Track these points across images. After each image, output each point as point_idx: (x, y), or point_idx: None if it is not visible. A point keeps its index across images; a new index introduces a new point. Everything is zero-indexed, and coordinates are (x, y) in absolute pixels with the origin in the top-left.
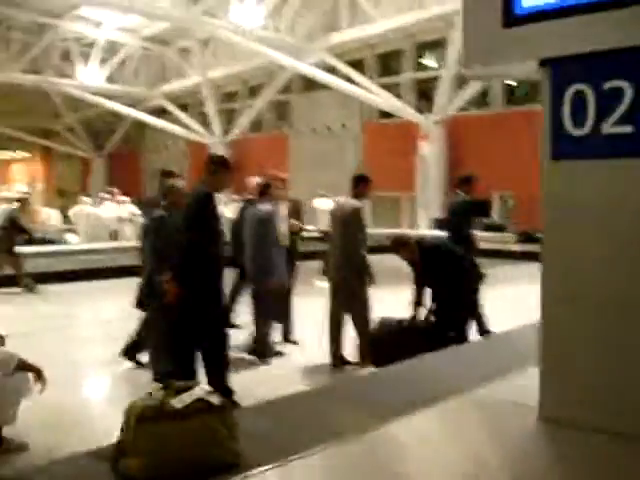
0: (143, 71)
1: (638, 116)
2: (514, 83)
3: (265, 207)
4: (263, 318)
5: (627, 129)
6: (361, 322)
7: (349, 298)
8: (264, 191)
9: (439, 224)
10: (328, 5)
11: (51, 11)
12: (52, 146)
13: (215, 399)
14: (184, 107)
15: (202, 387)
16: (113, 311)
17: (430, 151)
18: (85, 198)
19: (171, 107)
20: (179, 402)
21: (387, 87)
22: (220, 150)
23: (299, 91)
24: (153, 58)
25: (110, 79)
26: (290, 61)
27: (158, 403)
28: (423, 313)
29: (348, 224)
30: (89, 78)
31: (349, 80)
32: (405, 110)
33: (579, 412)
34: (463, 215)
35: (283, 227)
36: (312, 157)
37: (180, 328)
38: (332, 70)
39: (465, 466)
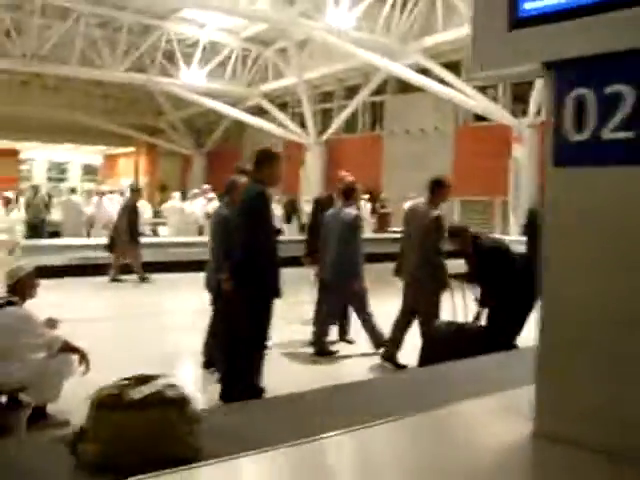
0: (243, 71)
1: (638, 122)
2: None
3: (352, 211)
4: (329, 318)
5: (628, 135)
6: (427, 325)
7: (419, 300)
8: (349, 194)
9: (523, 230)
10: (424, 6)
11: (155, 13)
12: (156, 143)
13: (176, 392)
14: (283, 106)
15: (166, 380)
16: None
17: (522, 154)
18: (175, 194)
19: (269, 106)
20: (137, 393)
21: (483, 89)
22: (315, 151)
23: (394, 92)
24: (253, 58)
25: (211, 79)
26: (384, 62)
27: (117, 392)
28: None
29: (429, 232)
30: (191, 77)
31: (443, 82)
32: (499, 112)
33: (573, 429)
34: (537, 222)
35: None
36: (405, 159)
37: (235, 327)
38: (427, 72)
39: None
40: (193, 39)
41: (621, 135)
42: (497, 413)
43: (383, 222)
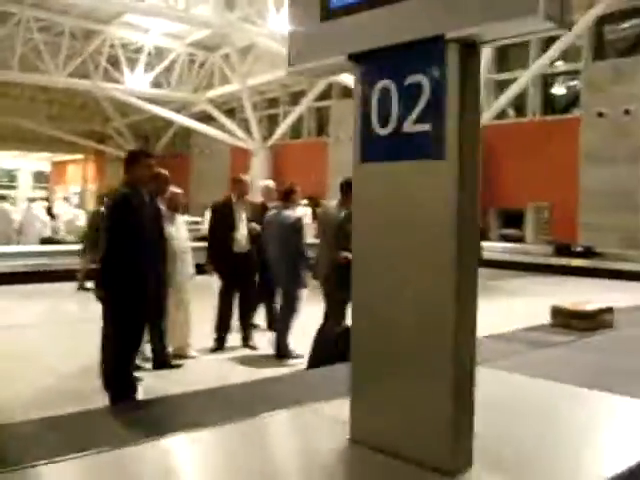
0: (189, 76)
1: (432, 116)
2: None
3: (293, 213)
4: (285, 322)
5: (425, 128)
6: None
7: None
8: (289, 197)
9: None
10: None
11: (98, 18)
12: (104, 149)
13: None
14: (230, 112)
15: None
16: None
17: None
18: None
19: (215, 112)
20: None
21: None
22: (261, 156)
23: (339, 97)
24: (199, 63)
25: (157, 84)
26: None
27: None
28: None
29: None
30: (136, 83)
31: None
32: None
33: (380, 437)
34: None
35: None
36: (350, 165)
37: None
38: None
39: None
40: (138, 44)
41: (419, 128)
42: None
43: None
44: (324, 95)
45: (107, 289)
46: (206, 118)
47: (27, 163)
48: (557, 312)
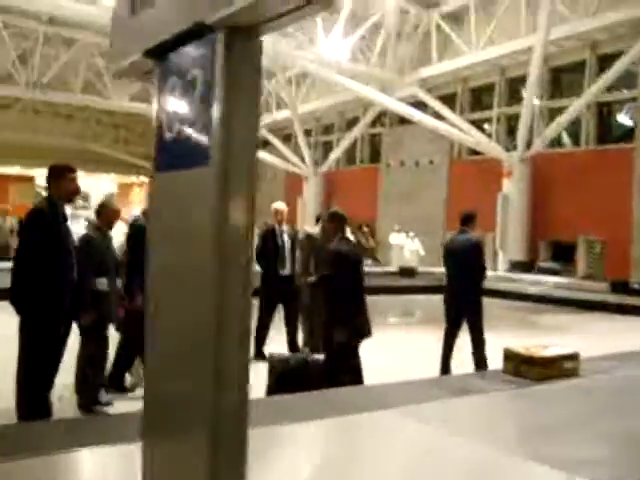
0: None
1: (200, 116)
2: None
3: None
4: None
5: (195, 130)
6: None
7: None
8: (468, 220)
9: None
10: (419, 38)
11: None
12: None
13: None
14: (287, 138)
15: None
16: None
17: (512, 189)
18: None
19: (272, 138)
20: None
21: (477, 122)
22: (313, 182)
23: (391, 124)
24: None
25: None
26: (378, 95)
27: None
28: None
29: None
30: None
31: (439, 115)
32: (490, 146)
33: None
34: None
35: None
36: (400, 192)
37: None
38: (423, 104)
39: None
40: None
41: (191, 131)
42: None
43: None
44: (378, 122)
45: (17, 307)
46: (263, 144)
47: (97, 184)
48: (508, 356)
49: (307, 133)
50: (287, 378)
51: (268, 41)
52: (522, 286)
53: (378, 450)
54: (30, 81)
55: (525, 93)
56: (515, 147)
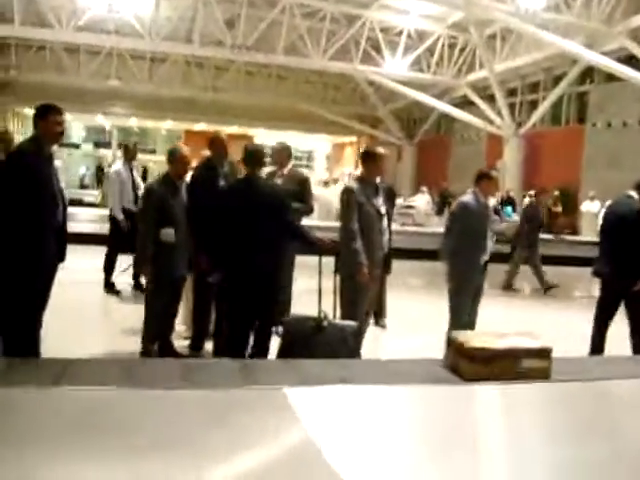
0: (450, 60)
1: None
2: None
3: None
4: None
5: None
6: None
7: None
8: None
9: None
10: None
11: (358, 2)
12: (374, 133)
13: None
14: (491, 98)
15: None
16: None
17: None
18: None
19: (475, 97)
20: None
21: None
22: (513, 143)
23: (599, 81)
24: (459, 47)
25: (419, 69)
26: (580, 49)
27: None
28: None
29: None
30: (395, 67)
31: None
32: None
33: None
34: None
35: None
36: (605, 155)
37: None
38: (633, 58)
39: None
40: (398, 28)
41: None
42: None
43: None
44: (588, 78)
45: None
46: (467, 103)
47: (316, 144)
48: (449, 344)
49: (512, 92)
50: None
51: None
52: None
53: None
54: (236, 44)
55: None
56: None
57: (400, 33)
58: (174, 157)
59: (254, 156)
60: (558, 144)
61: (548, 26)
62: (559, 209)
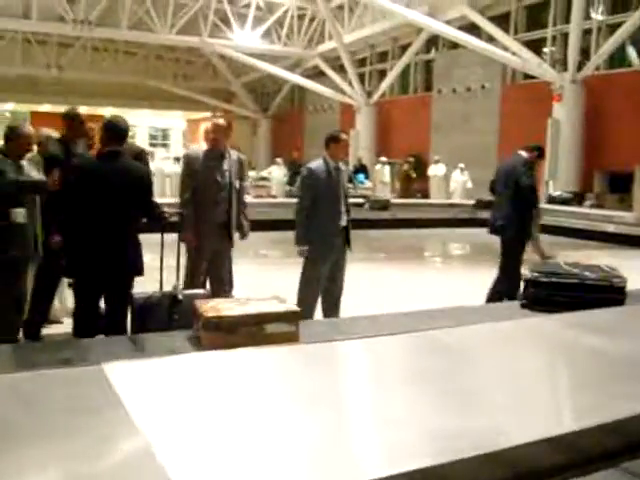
0: (299, 32)
1: None
2: None
3: None
4: None
5: None
6: None
7: None
8: None
9: None
10: None
11: None
12: (229, 108)
13: None
14: (342, 68)
15: None
16: None
17: (564, 115)
18: None
19: (326, 68)
20: None
21: (532, 43)
22: (365, 112)
23: (444, 49)
24: (308, 19)
25: (268, 40)
26: (423, 18)
27: None
28: None
29: None
30: (245, 39)
31: (491, 39)
32: (542, 68)
33: None
34: None
35: None
36: (452, 120)
37: None
38: (474, 26)
39: None
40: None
41: None
42: None
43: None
44: (433, 46)
45: None
46: (319, 74)
47: (173, 122)
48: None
49: (362, 62)
50: None
51: None
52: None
53: None
54: (78, 19)
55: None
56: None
57: (249, 5)
58: (15, 134)
59: (117, 130)
60: (407, 111)
61: None
62: (414, 175)
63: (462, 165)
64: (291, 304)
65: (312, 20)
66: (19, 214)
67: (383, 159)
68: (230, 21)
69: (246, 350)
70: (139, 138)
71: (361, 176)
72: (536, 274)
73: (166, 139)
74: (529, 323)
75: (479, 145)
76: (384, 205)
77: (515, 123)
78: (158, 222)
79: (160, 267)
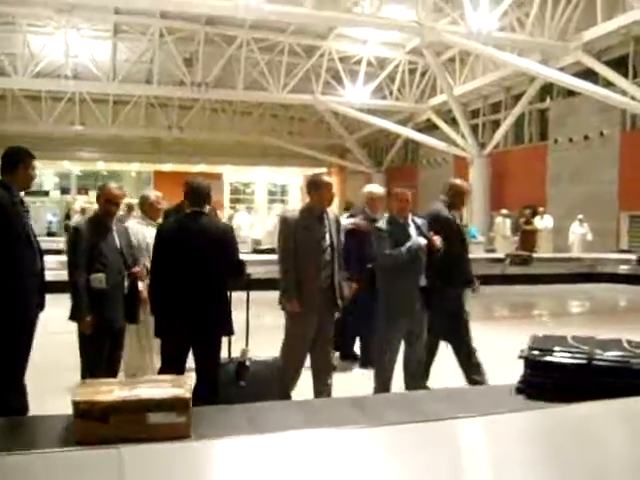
0: (411, 86)
1: None
2: None
3: None
4: None
5: None
6: None
7: None
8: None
9: None
10: None
11: (315, 33)
12: (343, 163)
13: None
14: (454, 120)
15: None
16: None
17: None
18: None
19: (437, 121)
20: None
21: None
22: (478, 164)
23: (558, 96)
24: (420, 72)
25: (380, 95)
26: (534, 65)
27: None
28: None
29: None
30: (357, 95)
31: (608, 83)
32: None
33: None
34: None
35: None
36: (569, 169)
37: None
38: (590, 72)
39: None
40: (358, 57)
41: None
42: None
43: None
44: (547, 95)
45: None
46: (432, 127)
47: (291, 178)
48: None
49: (474, 113)
50: None
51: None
52: None
53: None
54: (195, 82)
55: None
56: None
57: (359, 61)
58: (101, 193)
59: (199, 192)
60: (522, 162)
61: (505, 46)
62: (532, 227)
63: (581, 216)
64: (186, 389)
65: (423, 74)
66: (98, 280)
67: (504, 211)
68: (342, 78)
69: (120, 448)
70: (258, 194)
71: (474, 229)
72: None
73: (284, 195)
74: None
75: (598, 195)
76: (525, 259)
77: (638, 171)
78: (241, 277)
79: (246, 328)
